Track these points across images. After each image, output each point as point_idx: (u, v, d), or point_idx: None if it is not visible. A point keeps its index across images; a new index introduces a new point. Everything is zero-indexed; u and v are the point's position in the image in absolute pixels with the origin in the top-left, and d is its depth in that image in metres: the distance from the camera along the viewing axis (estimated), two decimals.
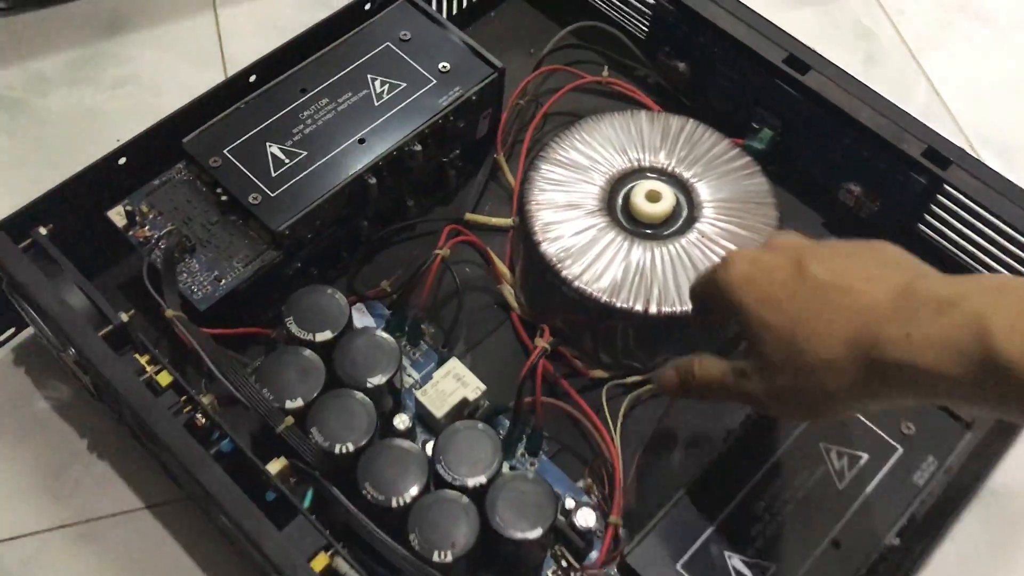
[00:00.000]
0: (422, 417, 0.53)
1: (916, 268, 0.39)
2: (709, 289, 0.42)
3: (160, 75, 0.70)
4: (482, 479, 0.46)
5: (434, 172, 0.61)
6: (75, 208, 0.54)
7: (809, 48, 0.61)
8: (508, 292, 0.59)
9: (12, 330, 0.57)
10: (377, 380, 0.49)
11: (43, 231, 0.51)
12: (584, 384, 0.56)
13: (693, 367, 0.43)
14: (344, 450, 0.47)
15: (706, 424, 0.51)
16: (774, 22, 0.75)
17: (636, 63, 0.69)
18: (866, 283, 0.37)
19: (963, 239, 0.60)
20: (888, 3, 0.79)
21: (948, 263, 0.61)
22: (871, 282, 0.37)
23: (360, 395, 0.48)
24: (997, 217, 0.57)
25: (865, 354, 0.36)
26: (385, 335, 0.50)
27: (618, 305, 0.53)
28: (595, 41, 0.70)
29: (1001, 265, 0.59)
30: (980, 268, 0.61)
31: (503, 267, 0.60)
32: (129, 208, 0.54)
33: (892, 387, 0.36)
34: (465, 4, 0.71)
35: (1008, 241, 0.58)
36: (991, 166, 0.63)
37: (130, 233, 0.53)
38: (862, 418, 0.49)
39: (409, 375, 0.55)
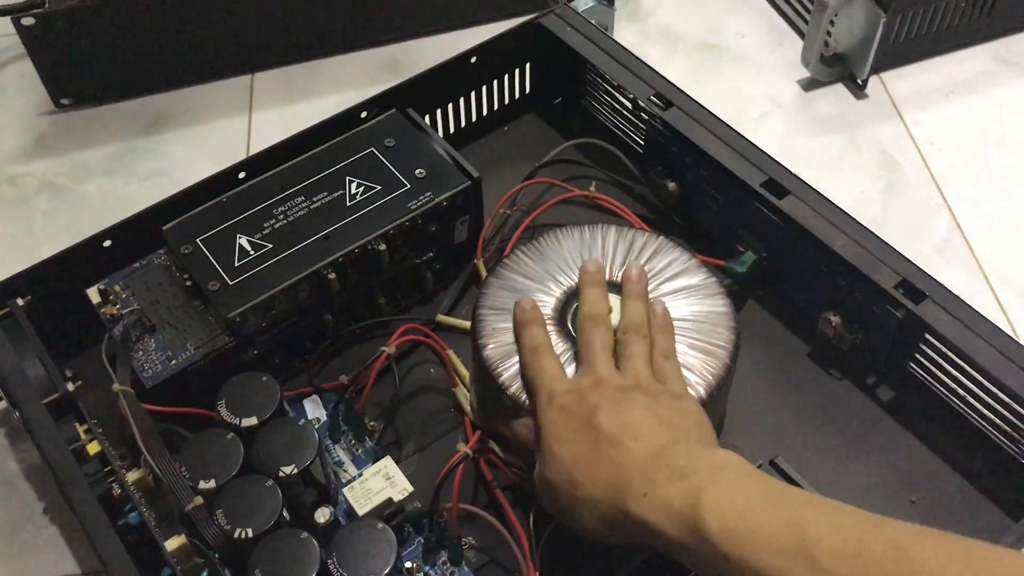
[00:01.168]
0: (351, 513, 0.53)
1: (681, 432, 0.45)
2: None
3: (188, 169, 0.75)
4: None
5: (408, 273, 0.63)
6: (59, 283, 0.58)
7: (792, 173, 0.60)
8: (462, 396, 0.59)
9: None
10: (290, 469, 0.49)
11: (20, 302, 0.55)
12: (527, 498, 0.55)
13: (514, 425, 0.51)
14: (243, 535, 0.47)
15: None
16: (797, 147, 0.75)
17: (633, 181, 0.69)
18: (634, 441, 0.44)
19: (950, 379, 0.57)
20: (919, 133, 0.77)
21: (941, 406, 0.58)
22: (638, 440, 0.44)
23: (271, 483, 0.49)
24: (968, 360, 0.53)
25: (616, 502, 0.43)
26: (309, 427, 0.51)
27: None
28: (597, 156, 0.71)
29: (987, 409, 0.55)
30: (971, 414, 0.57)
31: (462, 369, 0.60)
32: (103, 287, 0.57)
33: (630, 533, 0.43)
34: (481, 116, 0.73)
35: (979, 387, 0.54)
36: (1010, 308, 0.60)
37: (101, 311, 0.57)
38: None
39: (345, 471, 0.56)
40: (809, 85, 0.80)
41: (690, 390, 0.51)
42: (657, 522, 0.41)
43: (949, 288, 0.55)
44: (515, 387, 0.53)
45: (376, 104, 0.65)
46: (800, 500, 0.40)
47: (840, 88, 0.80)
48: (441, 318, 0.63)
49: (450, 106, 0.71)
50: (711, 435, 0.47)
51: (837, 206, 0.59)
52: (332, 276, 0.57)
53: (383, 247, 0.58)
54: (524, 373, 0.52)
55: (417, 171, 0.61)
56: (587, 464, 0.45)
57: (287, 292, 0.56)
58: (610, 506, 0.43)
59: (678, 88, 0.65)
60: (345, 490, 0.52)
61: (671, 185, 0.66)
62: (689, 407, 0.48)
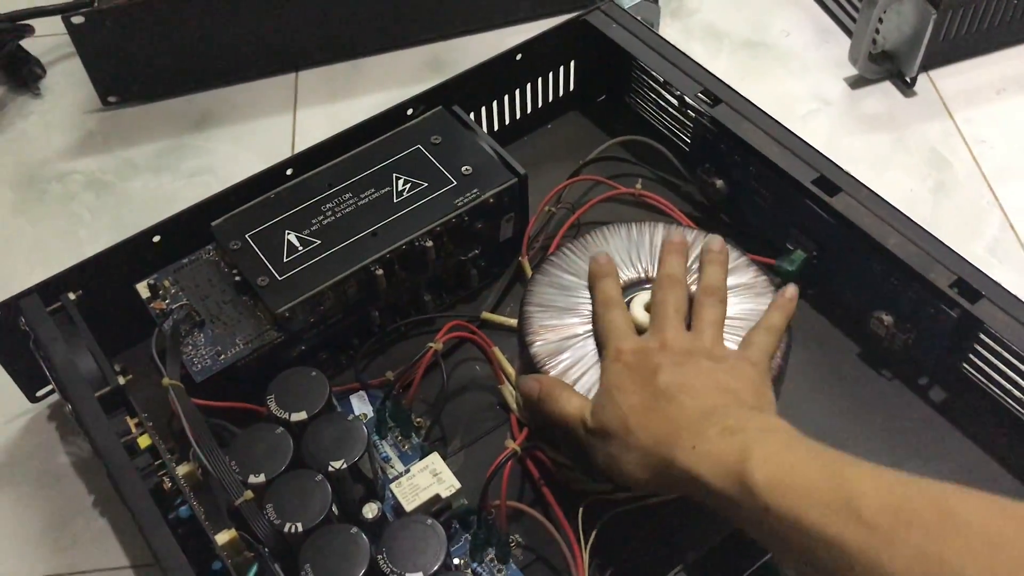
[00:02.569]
0: (397, 509, 0.53)
1: (737, 396, 0.46)
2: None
3: (232, 167, 0.75)
4: (419, 575, 0.46)
5: (453, 270, 0.62)
6: (109, 278, 0.58)
7: (843, 170, 0.59)
8: (508, 393, 0.59)
9: (51, 387, 0.61)
10: (339, 464, 0.49)
11: (72, 296, 0.56)
12: (575, 496, 0.54)
13: (555, 389, 0.50)
14: (293, 530, 0.47)
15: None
16: (843, 146, 0.74)
17: (679, 179, 0.69)
18: (689, 399, 0.46)
19: (1006, 380, 0.56)
20: (969, 132, 0.76)
21: (996, 408, 0.57)
22: (694, 399, 0.46)
23: (320, 477, 0.49)
24: (1022, 359, 0.52)
25: (664, 452, 0.44)
26: (358, 422, 0.51)
27: None
28: (643, 154, 0.71)
29: None
30: (1023, 412, 0.56)
31: (508, 367, 0.60)
32: (152, 282, 0.58)
33: (672, 483, 0.45)
34: (526, 113, 0.73)
35: None
36: None
37: (151, 305, 0.57)
38: None
39: (392, 467, 0.56)
40: (856, 83, 0.79)
41: None
42: (702, 473, 0.42)
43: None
44: None
45: (422, 101, 0.65)
46: (845, 460, 0.41)
47: (888, 86, 0.79)
48: (486, 315, 0.63)
49: (495, 104, 0.70)
50: (770, 403, 0.48)
51: (889, 203, 0.58)
52: (379, 272, 0.57)
53: (430, 244, 0.58)
54: (595, 324, 0.53)
55: (464, 168, 0.61)
56: (642, 413, 0.46)
57: (335, 288, 0.56)
58: (658, 456, 0.45)
59: (726, 84, 0.65)
60: (392, 486, 0.52)
61: (719, 183, 0.66)
62: (751, 374, 0.48)
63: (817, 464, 0.40)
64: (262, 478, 0.49)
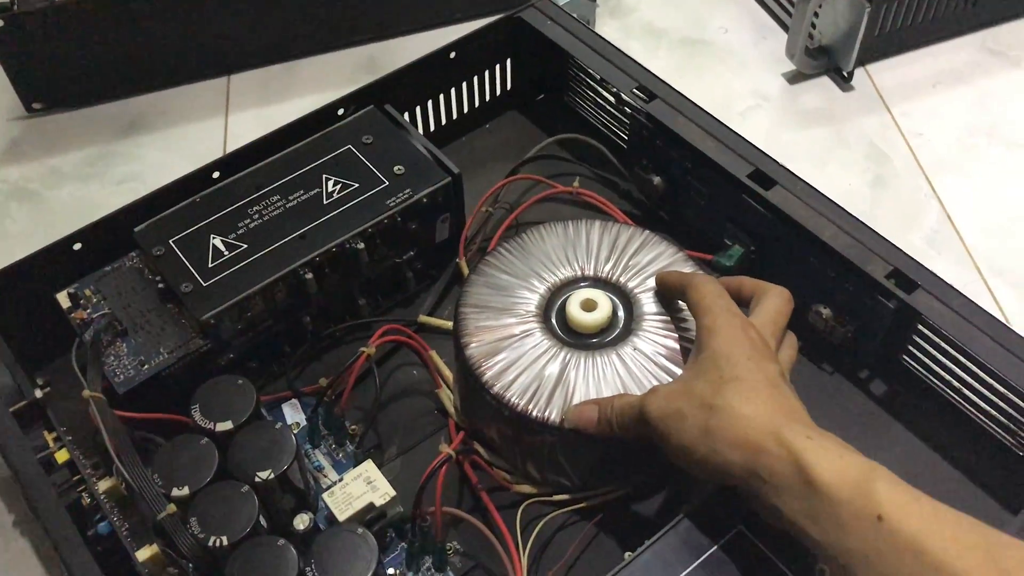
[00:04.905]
0: (331, 519, 0.51)
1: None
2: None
3: (163, 174, 0.72)
4: None
5: (388, 273, 0.61)
6: (27, 288, 0.56)
7: (778, 164, 0.59)
8: (446, 397, 0.58)
9: None
10: (266, 474, 0.48)
11: None
12: (514, 499, 0.53)
13: (613, 402, 0.48)
14: (218, 543, 0.45)
15: None
16: (783, 141, 0.74)
17: (618, 176, 0.68)
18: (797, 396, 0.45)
19: (945, 371, 0.55)
20: (907, 125, 0.76)
21: (936, 399, 0.56)
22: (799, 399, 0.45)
23: (247, 489, 0.47)
24: (962, 350, 0.52)
25: (771, 425, 0.41)
26: (286, 431, 0.49)
27: (533, 414, 0.50)
28: (581, 152, 0.70)
29: (983, 400, 0.54)
30: (966, 406, 0.55)
31: (445, 370, 0.58)
32: (73, 291, 0.55)
33: (760, 465, 0.41)
34: (462, 113, 0.72)
35: (974, 378, 0.53)
36: (1003, 298, 0.58)
37: (72, 315, 0.55)
38: (776, 560, 0.44)
39: (326, 476, 0.54)
40: (794, 78, 0.79)
41: None
42: (814, 465, 0.39)
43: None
44: (498, 386, 0.51)
45: (353, 101, 0.64)
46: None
47: (826, 81, 0.79)
48: (423, 318, 0.61)
49: (430, 103, 0.69)
50: None
51: (825, 196, 0.58)
52: (309, 276, 0.56)
53: (361, 246, 0.57)
54: (698, 289, 0.49)
55: (396, 168, 0.59)
56: (755, 373, 0.44)
57: (263, 293, 0.55)
58: (760, 426, 0.41)
59: (662, 80, 0.64)
60: (325, 495, 0.51)
61: (656, 179, 0.65)
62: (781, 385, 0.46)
63: (944, 509, 0.39)
64: (186, 491, 0.47)
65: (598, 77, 0.67)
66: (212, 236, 0.56)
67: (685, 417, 0.44)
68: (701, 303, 0.48)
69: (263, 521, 0.47)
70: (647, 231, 0.58)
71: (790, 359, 0.49)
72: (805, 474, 0.39)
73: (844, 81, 0.78)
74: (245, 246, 0.56)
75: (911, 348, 0.56)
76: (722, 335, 0.45)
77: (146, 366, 0.53)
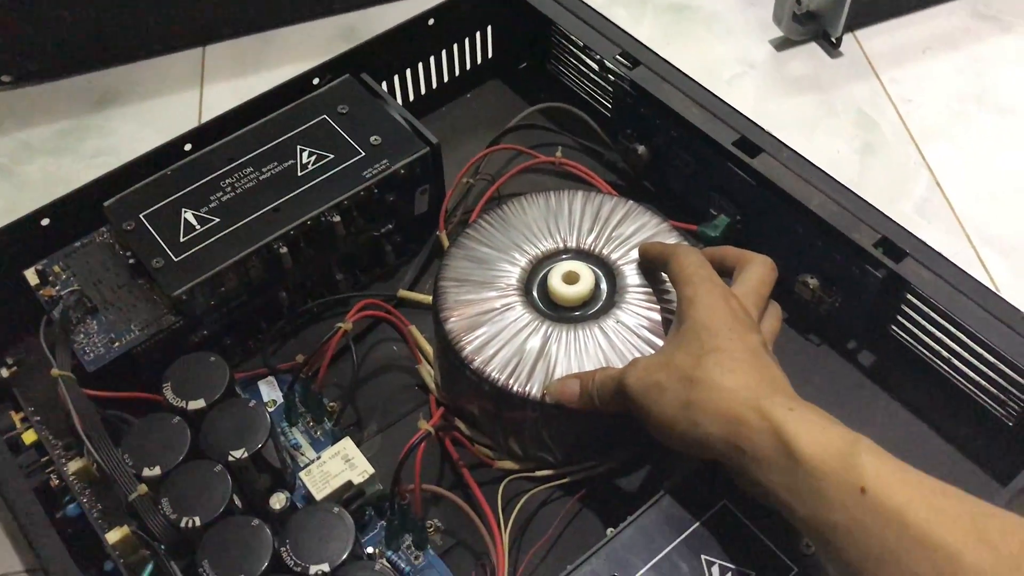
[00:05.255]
0: (309, 498, 0.50)
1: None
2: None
3: (136, 147, 0.70)
4: (324, 567, 0.43)
5: (366, 247, 0.60)
6: None
7: (764, 131, 0.58)
8: (426, 373, 0.56)
9: None
10: (240, 453, 0.46)
11: None
12: (496, 475, 0.52)
13: (595, 376, 0.47)
14: (191, 524, 0.44)
15: None
16: (770, 109, 0.73)
17: (601, 146, 0.67)
18: (779, 368, 0.44)
19: (934, 341, 0.54)
20: (896, 91, 0.74)
21: (925, 370, 0.55)
22: (781, 371, 0.43)
23: (220, 468, 0.46)
24: (951, 320, 0.51)
25: (751, 399, 0.40)
26: (260, 408, 0.48)
27: (514, 389, 0.49)
28: (564, 122, 0.68)
29: (972, 370, 0.53)
30: (956, 376, 0.54)
31: (426, 346, 0.57)
32: (42, 268, 0.54)
33: (722, 425, 0.40)
34: (443, 82, 0.70)
35: (963, 347, 0.52)
36: (993, 267, 0.57)
37: (40, 292, 0.53)
38: (760, 535, 0.43)
39: (303, 454, 0.53)
40: (782, 45, 0.78)
41: None
42: (796, 437, 0.38)
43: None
44: (478, 361, 0.50)
45: (329, 70, 0.62)
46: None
47: (814, 47, 0.78)
48: (403, 293, 0.60)
49: (408, 72, 0.68)
50: None
51: (812, 164, 0.56)
52: (284, 251, 0.54)
53: (337, 219, 0.55)
54: (680, 260, 0.48)
55: (372, 138, 0.58)
56: (735, 344, 0.42)
57: (236, 268, 0.53)
58: (741, 398, 0.40)
59: (646, 47, 0.63)
60: (302, 474, 0.49)
61: (640, 149, 0.63)
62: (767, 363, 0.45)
63: (928, 480, 0.37)
64: (157, 471, 0.46)
65: (581, 44, 0.66)
66: (184, 210, 0.55)
67: (665, 390, 0.42)
68: (682, 273, 0.47)
69: (237, 501, 0.46)
70: (631, 201, 0.57)
71: (773, 329, 0.48)
72: (787, 447, 0.38)
73: (832, 47, 0.77)
74: (218, 220, 0.54)
75: (899, 318, 0.55)
76: (702, 305, 0.44)
77: (116, 343, 0.52)
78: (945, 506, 0.35)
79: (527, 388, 0.49)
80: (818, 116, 0.73)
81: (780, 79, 0.76)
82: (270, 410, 0.54)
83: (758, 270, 0.48)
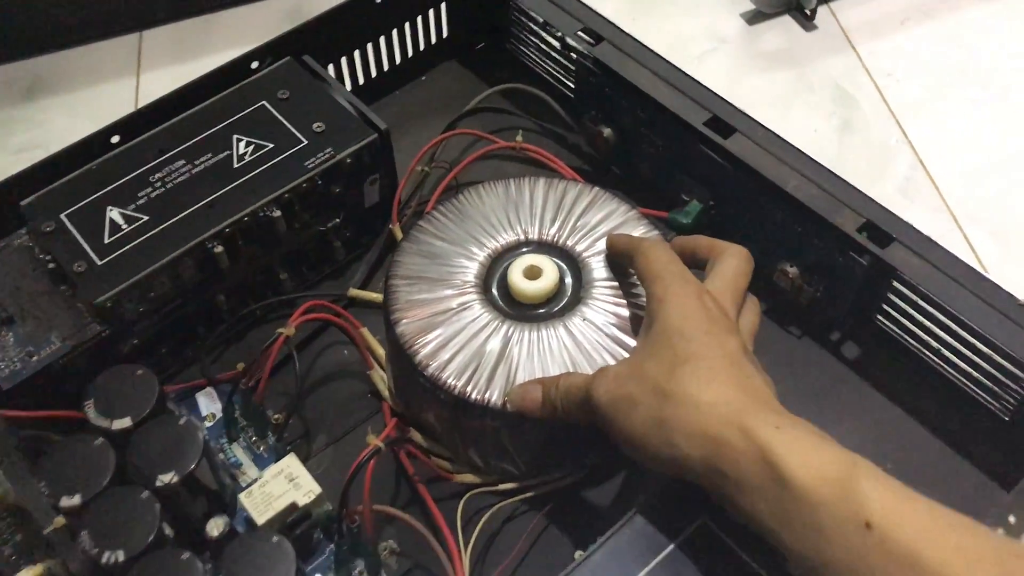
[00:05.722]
0: (251, 522, 0.46)
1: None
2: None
3: (68, 140, 0.66)
4: None
5: (313, 243, 0.55)
6: None
7: (737, 110, 0.54)
8: (379, 379, 0.52)
9: None
10: (169, 477, 0.42)
11: None
12: (456, 490, 0.48)
13: (558, 382, 0.43)
14: (112, 560, 0.40)
15: None
16: (743, 86, 0.69)
17: (565, 129, 0.62)
18: (765, 382, 0.40)
19: (923, 331, 0.51)
20: (874, 65, 0.71)
21: (914, 361, 0.52)
22: (769, 385, 0.40)
23: (147, 495, 0.42)
24: (942, 308, 0.47)
25: (732, 415, 0.36)
26: (192, 425, 0.44)
27: (473, 397, 0.45)
28: (525, 104, 0.64)
29: (965, 362, 0.49)
30: (947, 368, 0.51)
31: (379, 349, 0.53)
32: None
33: (721, 459, 0.36)
34: (394, 65, 0.66)
35: (955, 337, 0.48)
36: (981, 248, 0.54)
37: None
38: (744, 556, 0.39)
39: (244, 473, 0.49)
40: (754, 18, 0.74)
41: None
42: (785, 460, 0.34)
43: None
44: (433, 366, 0.46)
45: (269, 52, 0.57)
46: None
47: (787, 20, 0.74)
48: (354, 292, 0.56)
49: (357, 54, 0.63)
50: None
51: (789, 143, 0.52)
52: (219, 250, 0.50)
53: (278, 213, 0.51)
54: (647, 255, 0.44)
55: (315, 125, 0.53)
56: (712, 350, 0.38)
57: (167, 270, 0.49)
58: (721, 415, 0.36)
59: (609, 21, 0.59)
60: (242, 496, 0.45)
61: (606, 131, 0.59)
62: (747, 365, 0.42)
63: (940, 510, 0.34)
64: (77, 500, 0.42)
65: (541, 20, 0.62)
66: (109, 208, 0.50)
67: (636, 404, 0.38)
68: (649, 269, 0.43)
69: (168, 531, 0.42)
70: (596, 188, 0.53)
71: (752, 326, 0.44)
72: (775, 471, 0.34)
73: (807, 20, 0.73)
74: (147, 218, 0.50)
75: (886, 307, 0.52)
76: (673, 305, 0.40)
77: (35, 357, 0.47)
78: (963, 544, 0.31)
79: (487, 395, 0.45)
80: (794, 93, 0.69)
81: (753, 54, 0.72)
82: (209, 424, 0.50)
83: (733, 262, 0.44)
